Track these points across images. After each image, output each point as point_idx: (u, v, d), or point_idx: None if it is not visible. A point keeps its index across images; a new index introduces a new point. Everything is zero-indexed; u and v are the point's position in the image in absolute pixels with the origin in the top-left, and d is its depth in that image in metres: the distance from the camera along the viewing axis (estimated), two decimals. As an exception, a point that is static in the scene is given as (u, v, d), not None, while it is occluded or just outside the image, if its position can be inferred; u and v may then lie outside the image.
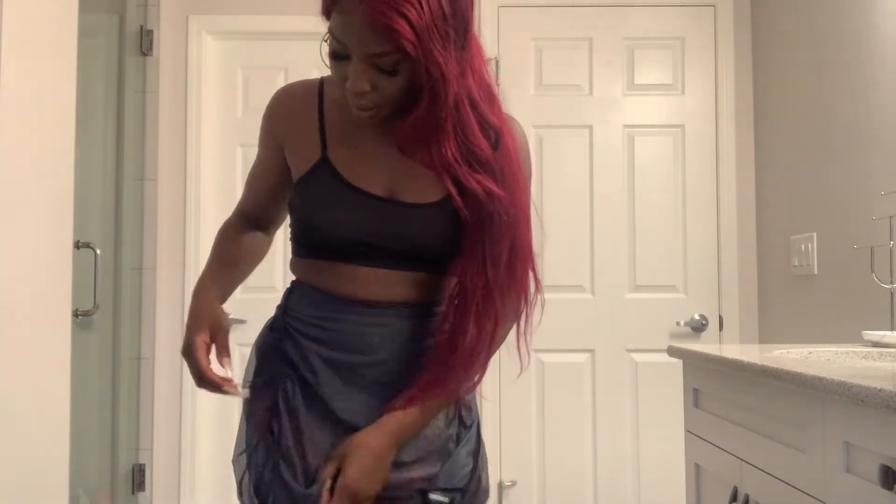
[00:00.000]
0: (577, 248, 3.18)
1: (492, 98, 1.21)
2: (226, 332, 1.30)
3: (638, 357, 3.16)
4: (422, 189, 1.22)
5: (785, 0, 2.94)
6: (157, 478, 3.11)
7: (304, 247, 1.29)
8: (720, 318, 3.17)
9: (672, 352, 2.07)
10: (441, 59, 1.07)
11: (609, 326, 3.17)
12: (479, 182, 1.16)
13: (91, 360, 2.88)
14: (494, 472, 3.13)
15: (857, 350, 1.86)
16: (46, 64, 2.02)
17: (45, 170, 2.02)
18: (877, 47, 2.32)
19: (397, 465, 1.23)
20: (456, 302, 1.22)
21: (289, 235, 1.32)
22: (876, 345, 1.96)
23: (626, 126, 3.23)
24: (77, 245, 2.45)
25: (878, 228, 2.23)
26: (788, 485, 1.46)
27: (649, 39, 3.24)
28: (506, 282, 1.21)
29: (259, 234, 1.44)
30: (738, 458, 1.70)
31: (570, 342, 3.17)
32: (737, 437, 1.72)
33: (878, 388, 1.11)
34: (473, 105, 1.16)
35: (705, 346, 2.58)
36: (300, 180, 1.25)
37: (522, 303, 1.25)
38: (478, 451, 1.32)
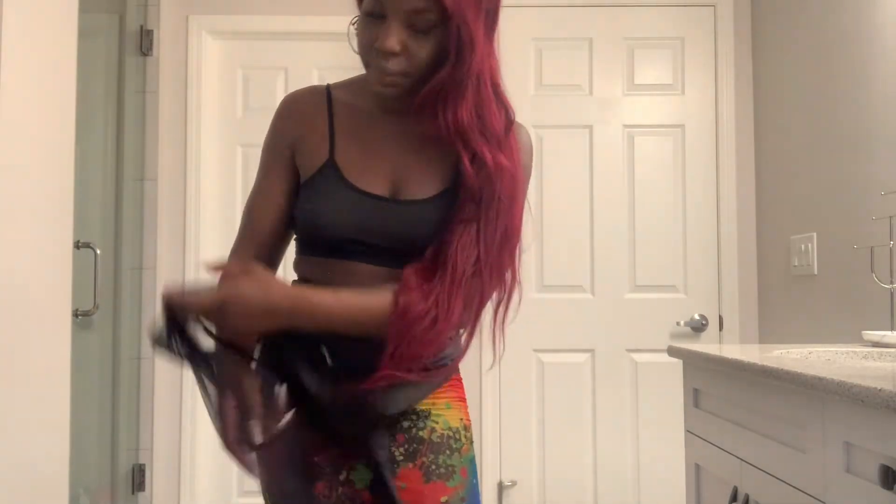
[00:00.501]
0: (577, 248, 3.18)
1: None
2: None
3: (638, 357, 3.16)
4: (424, 183, 1.24)
5: (785, 0, 2.94)
6: (157, 478, 3.11)
7: (307, 245, 1.31)
8: (720, 318, 3.17)
9: (672, 352, 2.07)
10: (472, 27, 1.12)
11: (609, 326, 3.17)
12: (490, 151, 1.17)
13: (91, 360, 2.88)
14: (494, 472, 3.13)
15: (857, 350, 1.86)
16: (46, 64, 2.02)
17: (45, 170, 2.02)
18: (877, 47, 2.32)
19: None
20: (445, 275, 1.17)
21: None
22: (876, 345, 1.96)
23: (626, 126, 3.23)
24: (77, 245, 2.45)
25: (878, 228, 2.23)
26: (788, 485, 1.46)
27: (649, 39, 3.24)
28: (495, 263, 1.20)
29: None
30: (738, 458, 1.70)
31: (570, 342, 3.17)
32: (737, 437, 1.72)
33: (878, 388, 1.11)
34: (493, 84, 1.19)
35: (705, 346, 2.58)
36: (307, 182, 1.27)
37: (503, 290, 1.25)
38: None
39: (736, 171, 3.18)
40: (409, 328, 1.15)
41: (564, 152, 3.20)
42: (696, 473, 1.98)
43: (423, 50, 1.14)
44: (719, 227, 3.18)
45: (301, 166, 1.29)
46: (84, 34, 2.22)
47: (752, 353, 1.78)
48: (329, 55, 3.07)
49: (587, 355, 3.17)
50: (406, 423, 1.29)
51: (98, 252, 2.78)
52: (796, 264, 2.79)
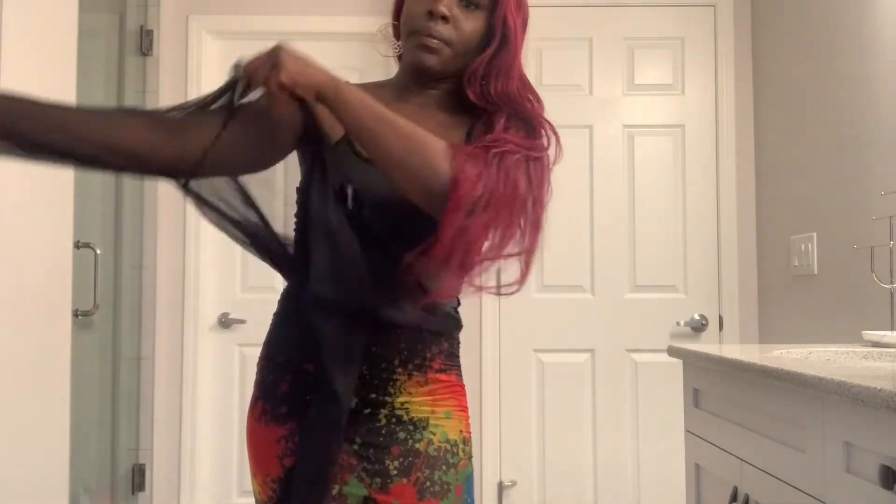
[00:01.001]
0: (577, 248, 3.18)
1: None
2: None
3: (638, 357, 3.16)
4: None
5: (785, 0, 2.94)
6: (157, 478, 3.11)
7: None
8: (720, 318, 3.16)
9: (672, 352, 2.07)
10: (512, 18, 1.25)
11: (609, 326, 3.17)
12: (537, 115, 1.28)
13: (91, 360, 2.88)
14: (494, 472, 3.13)
15: (857, 350, 1.86)
16: (46, 64, 2.02)
17: (45, 170, 2.02)
18: (877, 47, 2.32)
19: None
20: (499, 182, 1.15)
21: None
22: (876, 345, 1.96)
23: (626, 126, 3.23)
24: (77, 245, 2.45)
25: (878, 228, 2.23)
26: (788, 485, 1.46)
27: (649, 39, 3.24)
28: (532, 208, 1.22)
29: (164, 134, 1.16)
30: (738, 458, 1.70)
31: (570, 342, 3.17)
32: (737, 437, 1.72)
33: (878, 388, 1.11)
34: (522, 78, 1.29)
35: (705, 346, 2.58)
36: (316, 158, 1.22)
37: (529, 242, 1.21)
38: None
39: (736, 171, 3.18)
40: (465, 197, 1.09)
41: (565, 152, 3.19)
42: (696, 473, 1.98)
43: (468, 24, 1.24)
44: (719, 227, 3.18)
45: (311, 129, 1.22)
46: (84, 34, 2.22)
47: (752, 353, 1.78)
48: (330, 55, 3.05)
49: (587, 355, 3.17)
50: (402, 434, 1.24)
51: (98, 252, 2.78)
52: (796, 264, 2.79)
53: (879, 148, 2.31)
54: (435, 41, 1.23)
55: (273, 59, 1.08)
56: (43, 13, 2.00)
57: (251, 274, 3.19)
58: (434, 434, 1.25)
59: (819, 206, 2.66)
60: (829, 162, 2.59)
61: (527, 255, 1.20)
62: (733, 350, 1.93)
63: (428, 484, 1.23)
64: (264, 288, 3.12)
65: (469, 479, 1.29)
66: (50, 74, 2.04)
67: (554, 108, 1.40)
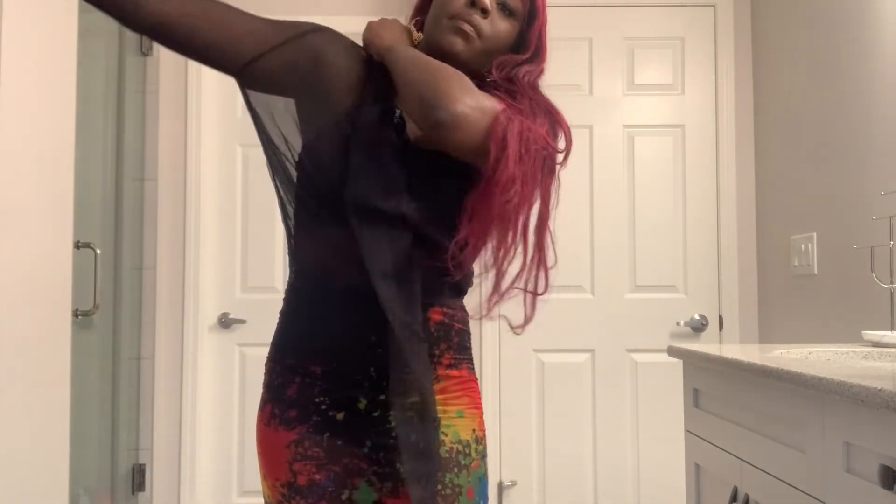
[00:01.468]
0: (577, 247, 3.18)
1: None
2: None
3: (638, 357, 3.16)
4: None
5: (785, 0, 2.94)
6: (157, 478, 3.11)
7: (327, 211, 1.24)
8: (720, 318, 3.17)
9: (672, 352, 2.07)
10: (546, 36, 1.34)
11: (609, 326, 3.17)
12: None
13: (91, 360, 2.88)
14: (494, 472, 3.13)
15: (857, 350, 1.86)
16: (46, 64, 2.02)
17: (45, 170, 2.02)
18: (877, 47, 2.32)
19: None
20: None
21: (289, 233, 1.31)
22: (876, 345, 1.96)
23: (626, 126, 3.23)
24: (77, 245, 2.45)
25: (878, 228, 2.23)
26: (788, 485, 1.46)
27: (649, 39, 3.24)
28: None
29: None
30: (738, 458, 1.70)
31: (570, 342, 3.17)
32: (737, 437, 1.72)
33: (878, 388, 1.11)
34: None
35: (705, 346, 2.58)
36: (327, 125, 1.24)
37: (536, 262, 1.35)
38: None
39: (736, 171, 3.18)
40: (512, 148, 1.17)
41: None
42: (696, 473, 1.98)
43: (502, 24, 1.28)
44: (719, 227, 3.18)
45: (327, 90, 1.26)
46: (84, 34, 2.22)
47: (752, 353, 1.78)
48: (329, 55, 3.06)
49: (587, 355, 3.17)
50: (413, 436, 1.19)
51: (98, 252, 2.78)
52: (796, 264, 2.79)
53: (879, 148, 2.31)
54: (470, 27, 1.25)
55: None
56: (43, 13, 2.00)
57: (251, 274, 3.19)
58: (446, 435, 1.23)
59: (819, 206, 2.66)
60: (829, 162, 2.59)
61: (533, 296, 1.32)
62: (733, 350, 1.93)
63: (439, 487, 1.20)
64: (264, 288, 3.14)
65: (482, 481, 1.26)
66: (50, 74, 2.05)
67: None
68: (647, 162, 3.22)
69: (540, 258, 1.29)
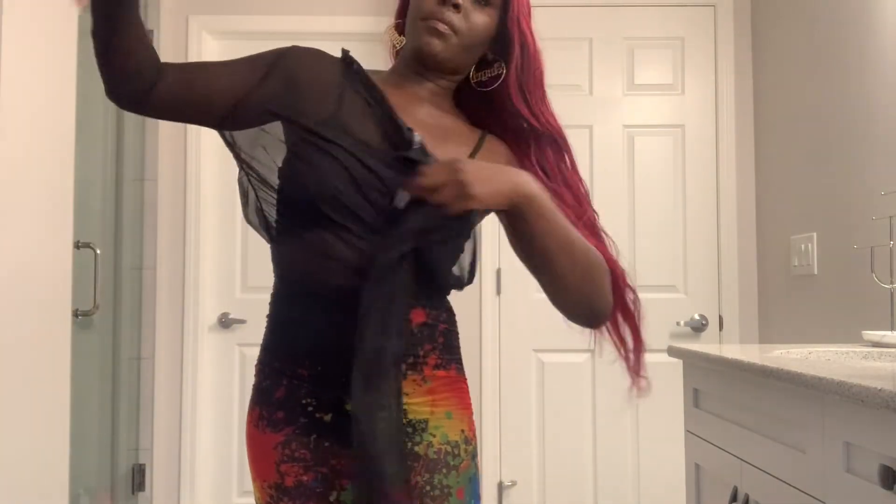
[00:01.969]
0: (577, 248, 3.18)
1: None
2: None
3: (638, 357, 3.15)
4: (451, 149, 1.24)
5: (785, 0, 2.94)
6: (157, 478, 3.11)
7: (310, 217, 1.22)
8: (720, 318, 3.16)
9: (672, 352, 2.07)
10: (526, 21, 1.27)
11: (609, 326, 3.16)
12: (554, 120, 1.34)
13: (91, 360, 2.88)
14: (494, 472, 3.13)
15: (857, 350, 1.86)
16: (46, 64, 2.02)
17: (45, 170, 2.02)
18: (877, 47, 2.32)
19: None
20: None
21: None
22: (876, 345, 1.96)
23: (626, 126, 3.23)
24: (77, 245, 2.44)
25: (878, 228, 2.23)
26: (788, 485, 1.46)
27: (649, 39, 3.24)
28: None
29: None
30: (738, 458, 1.70)
31: (570, 342, 3.15)
32: (737, 437, 1.72)
33: (878, 388, 1.11)
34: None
35: (705, 346, 2.58)
36: (305, 136, 1.22)
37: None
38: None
39: (736, 171, 3.18)
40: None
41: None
42: (696, 473, 1.98)
43: (478, 17, 1.24)
44: (719, 227, 3.18)
45: (302, 107, 1.24)
46: (84, 34, 2.22)
47: (752, 353, 1.78)
48: (329, 55, 3.06)
49: (587, 355, 3.17)
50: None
51: (98, 252, 2.78)
52: (796, 264, 2.79)
53: (879, 148, 2.31)
54: (444, 26, 1.22)
55: (456, 176, 1.08)
56: (43, 13, 2.00)
57: (251, 274, 3.19)
58: (434, 436, 1.22)
59: (819, 206, 2.66)
60: (829, 162, 2.59)
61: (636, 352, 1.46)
62: (733, 350, 1.93)
63: (427, 488, 1.20)
64: (264, 288, 3.10)
65: (472, 481, 1.25)
66: (50, 74, 2.05)
67: (554, 109, 1.41)
68: (647, 162, 3.22)
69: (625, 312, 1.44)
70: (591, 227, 1.29)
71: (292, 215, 1.24)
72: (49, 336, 2.04)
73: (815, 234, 2.67)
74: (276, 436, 1.24)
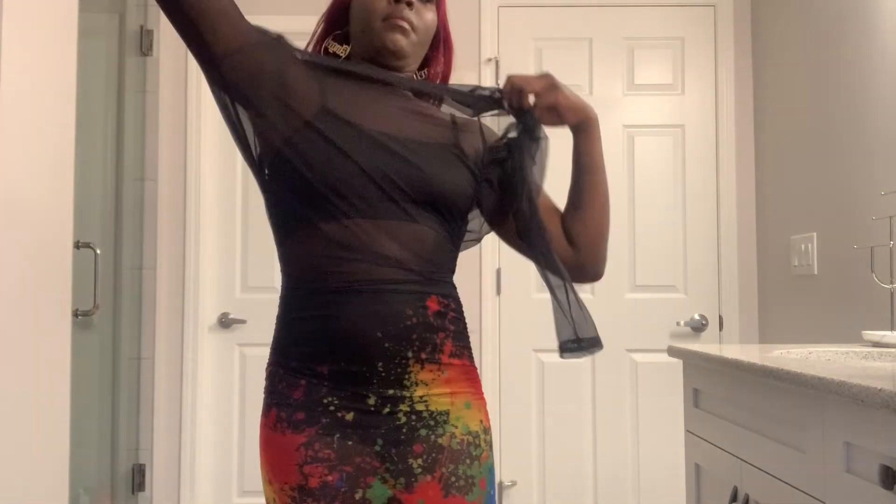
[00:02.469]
0: (577, 248, 3.18)
1: None
2: None
3: (638, 357, 3.16)
4: (425, 135, 1.30)
5: (785, 0, 2.94)
6: (157, 478, 3.11)
7: (315, 211, 1.25)
8: (720, 318, 3.17)
9: (672, 352, 2.07)
10: (446, 20, 1.40)
11: (609, 326, 3.15)
12: None
13: (91, 360, 2.88)
14: (495, 472, 3.12)
15: (857, 350, 1.86)
16: (46, 64, 2.02)
17: (45, 170, 2.02)
18: (877, 47, 2.32)
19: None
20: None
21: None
22: (876, 345, 1.96)
23: (626, 126, 3.23)
24: (77, 245, 2.45)
25: (878, 228, 2.23)
26: (788, 485, 1.46)
27: (649, 39, 3.24)
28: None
29: None
30: (738, 458, 1.70)
31: (570, 342, 3.16)
32: (737, 437, 1.72)
33: (878, 388, 1.11)
34: None
35: (705, 346, 2.58)
36: (299, 130, 1.23)
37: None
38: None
39: (736, 171, 3.18)
40: None
41: (565, 152, 3.19)
42: (696, 473, 1.98)
43: (427, 14, 1.32)
44: (719, 227, 3.18)
45: (291, 98, 1.25)
46: (84, 34, 2.22)
47: (752, 353, 1.78)
48: (329, 55, 3.06)
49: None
50: (424, 431, 1.22)
51: (98, 252, 2.78)
52: (796, 264, 2.79)
53: (879, 148, 2.31)
54: (405, 22, 1.28)
55: (550, 80, 1.34)
56: (43, 13, 2.00)
57: (251, 274, 3.19)
58: (456, 427, 1.24)
59: (819, 206, 2.66)
60: (829, 162, 2.59)
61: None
62: (733, 350, 1.93)
63: (453, 479, 1.22)
64: (264, 288, 3.13)
65: (491, 471, 1.28)
66: (50, 74, 2.04)
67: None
68: (647, 162, 3.22)
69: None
70: None
71: (300, 212, 1.24)
72: (49, 336, 2.04)
73: (815, 234, 2.67)
74: (297, 437, 1.22)
